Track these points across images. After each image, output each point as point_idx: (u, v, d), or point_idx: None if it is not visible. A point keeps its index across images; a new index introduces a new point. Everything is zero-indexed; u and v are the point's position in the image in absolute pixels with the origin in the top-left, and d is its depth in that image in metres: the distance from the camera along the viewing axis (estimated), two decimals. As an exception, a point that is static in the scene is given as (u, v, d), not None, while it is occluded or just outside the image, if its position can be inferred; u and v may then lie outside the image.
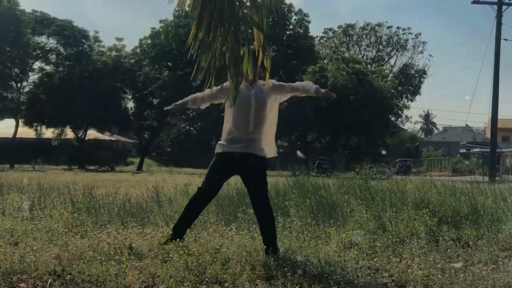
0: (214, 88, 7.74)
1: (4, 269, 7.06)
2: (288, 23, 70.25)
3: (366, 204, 11.95)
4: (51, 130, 70.09)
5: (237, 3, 6.64)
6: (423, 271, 7.30)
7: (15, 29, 61.49)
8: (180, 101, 9.13)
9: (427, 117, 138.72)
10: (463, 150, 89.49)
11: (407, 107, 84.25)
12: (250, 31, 6.68)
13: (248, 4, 6.69)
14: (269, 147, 8.55)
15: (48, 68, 70.25)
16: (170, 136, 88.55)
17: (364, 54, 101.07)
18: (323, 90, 8.28)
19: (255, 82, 8.31)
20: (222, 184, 8.81)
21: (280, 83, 8.49)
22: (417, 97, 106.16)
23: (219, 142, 8.50)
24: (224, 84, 8.06)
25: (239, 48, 6.69)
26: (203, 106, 8.98)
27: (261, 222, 8.30)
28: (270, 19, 59.35)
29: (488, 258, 8.30)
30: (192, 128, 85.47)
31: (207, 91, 8.48)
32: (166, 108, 9.56)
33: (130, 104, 73.57)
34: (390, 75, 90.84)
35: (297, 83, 8.44)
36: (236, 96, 6.93)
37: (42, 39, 70.35)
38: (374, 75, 70.26)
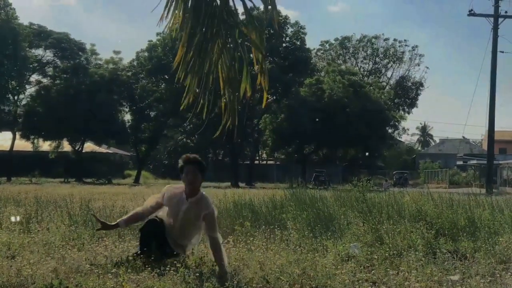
0: (155, 196, 8.54)
1: (1, 283, 7.06)
2: (284, 35, 70.26)
3: (363, 217, 11.95)
4: (48, 142, 70.01)
5: (233, 21, 6.67)
6: (421, 284, 7.30)
7: (13, 42, 61.52)
8: (122, 220, 9.08)
9: (424, 129, 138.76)
10: (460, 162, 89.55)
11: (404, 118, 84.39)
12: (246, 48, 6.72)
13: (244, 22, 6.72)
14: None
15: (45, 80, 70.26)
16: (167, 148, 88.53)
17: (361, 66, 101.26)
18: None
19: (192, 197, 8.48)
20: None
21: (212, 224, 8.49)
22: (414, 109, 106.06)
23: None
24: (165, 191, 8.56)
25: (235, 68, 6.72)
26: (151, 217, 8.86)
27: None
28: (267, 32, 59.59)
29: (485, 270, 8.30)
30: (189, 141, 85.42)
31: (149, 203, 8.81)
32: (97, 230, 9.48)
33: (127, 117, 73.54)
34: (387, 87, 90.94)
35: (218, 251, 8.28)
36: (235, 115, 6.95)
37: (39, 51, 70.45)
38: (370, 87, 70.34)
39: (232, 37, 6.69)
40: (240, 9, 6.89)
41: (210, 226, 8.38)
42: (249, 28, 6.72)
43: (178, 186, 8.64)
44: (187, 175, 8.38)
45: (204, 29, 6.58)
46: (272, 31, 66.01)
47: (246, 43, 6.83)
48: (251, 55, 6.88)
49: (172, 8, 6.69)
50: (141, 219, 8.86)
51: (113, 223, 9.04)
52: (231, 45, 6.68)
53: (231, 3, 6.74)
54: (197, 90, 6.83)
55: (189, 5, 6.66)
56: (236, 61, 6.72)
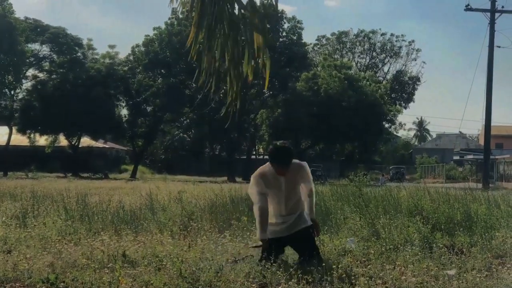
0: (257, 189, 8.39)
1: (-3, 277, 7.05)
2: (281, 29, 70.19)
3: (359, 211, 11.95)
4: (45, 137, 70.01)
5: (237, 6, 6.66)
6: (417, 278, 7.30)
7: (9, 37, 61.40)
8: (260, 233, 8.62)
9: (420, 124, 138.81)
10: (457, 157, 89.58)
11: (400, 112, 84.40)
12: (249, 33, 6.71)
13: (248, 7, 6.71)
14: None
15: (41, 75, 70.18)
16: (164, 143, 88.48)
17: (357, 61, 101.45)
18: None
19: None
20: None
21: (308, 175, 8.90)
22: (411, 104, 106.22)
23: None
24: (260, 180, 8.48)
25: (239, 50, 6.71)
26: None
27: None
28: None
29: (481, 265, 8.31)
30: (185, 136, 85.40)
31: (258, 196, 8.56)
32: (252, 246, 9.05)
33: (124, 112, 73.57)
34: (384, 82, 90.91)
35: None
36: (238, 99, 6.98)
37: (36, 46, 70.37)
38: (367, 82, 70.32)
39: (236, 19, 6.69)
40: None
41: (307, 177, 8.87)
42: (251, 12, 6.71)
43: (263, 170, 8.66)
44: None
45: (213, 10, 6.57)
46: (268, 26, 65.98)
47: (249, 26, 6.81)
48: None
49: None
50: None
51: (262, 240, 8.57)
52: (232, 30, 6.68)
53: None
54: (211, 68, 6.83)
55: None
56: (239, 44, 6.72)
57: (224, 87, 7.13)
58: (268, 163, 8.62)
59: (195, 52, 6.74)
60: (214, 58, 6.72)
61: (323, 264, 7.60)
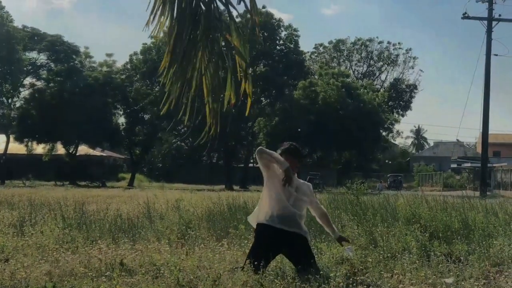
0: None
1: (-6, 286, 7.04)
2: (278, 38, 70.30)
3: (357, 220, 11.96)
4: (42, 145, 69.94)
5: (217, 27, 6.68)
6: (415, 287, 7.30)
7: (7, 46, 61.48)
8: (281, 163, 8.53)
9: (418, 132, 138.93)
10: (454, 165, 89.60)
11: (398, 121, 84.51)
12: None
13: (229, 29, 6.73)
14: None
15: (39, 83, 70.22)
16: (161, 151, 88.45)
17: (355, 69, 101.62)
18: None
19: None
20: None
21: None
22: (408, 112, 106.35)
23: None
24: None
25: (219, 74, 6.73)
26: None
27: None
28: (260, 35, 59.49)
29: (479, 273, 8.31)
30: (183, 144, 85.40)
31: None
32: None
33: (121, 120, 73.52)
34: (381, 90, 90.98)
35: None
36: (217, 123, 6.97)
37: (33, 54, 70.42)
38: (364, 89, 70.42)
39: (217, 44, 6.70)
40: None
41: (310, 194, 8.95)
42: (233, 36, 6.72)
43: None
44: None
45: (188, 36, 6.57)
46: (266, 34, 66.10)
47: (231, 51, 6.84)
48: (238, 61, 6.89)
49: (158, 13, 6.66)
50: None
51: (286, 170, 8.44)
52: (216, 52, 6.70)
53: (220, 7, 6.76)
54: (181, 96, 6.84)
55: (175, 12, 6.64)
56: (220, 68, 6.74)
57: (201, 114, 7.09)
58: None
59: (168, 79, 6.74)
60: (186, 85, 6.73)
61: (321, 272, 7.60)
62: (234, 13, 6.83)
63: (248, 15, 6.71)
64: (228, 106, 6.99)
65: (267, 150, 8.46)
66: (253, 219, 8.55)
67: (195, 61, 6.68)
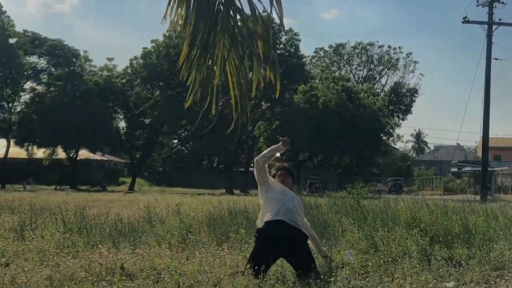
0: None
1: (-5, 291, 7.04)
2: (278, 42, 70.32)
3: (358, 224, 11.95)
4: (43, 150, 69.86)
5: (238, 16, 6.67)
6: (415, 291, 7.30)
7: (8, 50, 61.49)
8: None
9: (418, 136, 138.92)
10: (455, 169, 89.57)
11: (398, 125, 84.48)
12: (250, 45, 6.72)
13: (251, 18, 6.70)
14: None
15: (39, 88, 70.13)
16: (162, 155, 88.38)
17: (355, 73, 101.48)
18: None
19: None
20: None
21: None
22: (409, 116, 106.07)
23: None
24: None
25: (241, 61, 6.72)
26: None
27: None
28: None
29: (480, 277, 8.31)
30: (183, 148, 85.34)
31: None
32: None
33: (122, 124, 73.43)
34: (382, 94, 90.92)
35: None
36: (249, 115, 6.99)
37: (34, 59, 70.36)
38: (365, 94, 70.42)
39: (240, 32, 6.69)
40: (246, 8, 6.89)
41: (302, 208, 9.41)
42: (255, 23, 6.70)
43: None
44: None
45: (207, 26, 6.56)
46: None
47: (254, 39, 6.81)
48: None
49: (175, 6, 6.67)
50: None
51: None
52: (238, 38, 6.68)
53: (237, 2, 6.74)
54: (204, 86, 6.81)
55: (192, 3, 6.64)
56: (245, 55, 6.72)
57: (221, 103, 7.09)
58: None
59: (187, 70, 6.73)
60: (212, 74, 6.72)
61: (321, 277, 7.60)
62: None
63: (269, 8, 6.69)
64: (257, 91, 7.00)
65: (259, 156, 9.23)
66: (259, 222, 8.91)
67: (215, 50, 6.68)
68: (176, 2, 6.66)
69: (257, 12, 6.65)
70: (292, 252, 8.35)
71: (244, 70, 6.81)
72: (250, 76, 6.90)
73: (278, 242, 8.26)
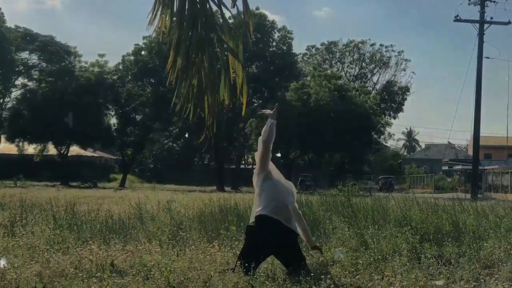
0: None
1: (-16, 287, 7.02)
2: (271, 39, 70.31)
3: (348, 222, 11.96)
4: (34, 146, 69.74)
5: (214, 30, 6.68)
6: (405, 289, 7.31)
7: (0, 46, 61.34)
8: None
9: (409, 134, 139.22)
10: (446, 167, 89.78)
11: (389, 124, 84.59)
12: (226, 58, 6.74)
13: (223, 30, 6.72)
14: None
15: (30, 84, 70.01)
16: (153, 152, 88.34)
17: (347, 71, 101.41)
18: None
19: None
20: None
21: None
22: (400, 114, 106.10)
23: None
24: None
25: (215, 76, 6.72)
26: None
27: None
28: (253, 36, 59.36)
29: (469, 275, 8.32)
30: (175, 145, 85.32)
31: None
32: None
33: (113, 120, 73.31)
34: (373, 92, 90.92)
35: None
36: (214, 123, 6.99)
37: (25, 55, 70.21)
38: (356, 92, 70.42)
39: (211, 44, 6.70)
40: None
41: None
42: (226, 36, 6.72)
43: None
44: None
45: (190, 34, 6.57)
46: (259, 35, 66.11)
47: (225, 51, 6.84)
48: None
49: (159, 13, 6.67)
50: None
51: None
52: (209, 52, 6.69)
53: (214, 8, 6.75)
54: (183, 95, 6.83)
55: (175, 10, 6.65)
56: (215, 68, 6.73)
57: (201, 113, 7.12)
58: None
59: (174, 77, 6.74)
60: (193, 85, 6.73)
61: (312, 274, 7.61)
62: (227, 14, 6.85)
63: (241, 16, 6.71)
64: (221, 108, 7.02)
65: (267, 136, 9.49)
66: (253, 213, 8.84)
67: (195, 61, 6.69)
68: (160, 10, 6.66)
69: (225, 26, 6.71)
70: (283, 250, 8.36)
71: (213, 80, 6.83)
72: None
73: (269, 239, 8.25)
